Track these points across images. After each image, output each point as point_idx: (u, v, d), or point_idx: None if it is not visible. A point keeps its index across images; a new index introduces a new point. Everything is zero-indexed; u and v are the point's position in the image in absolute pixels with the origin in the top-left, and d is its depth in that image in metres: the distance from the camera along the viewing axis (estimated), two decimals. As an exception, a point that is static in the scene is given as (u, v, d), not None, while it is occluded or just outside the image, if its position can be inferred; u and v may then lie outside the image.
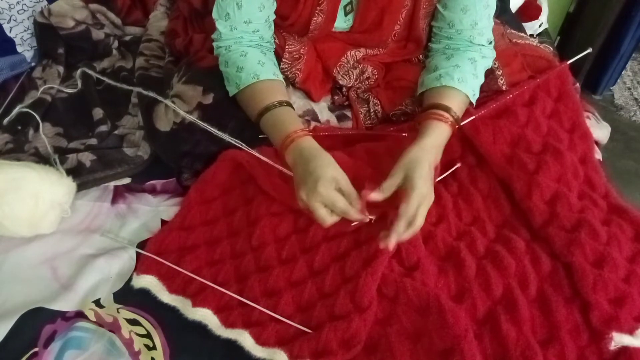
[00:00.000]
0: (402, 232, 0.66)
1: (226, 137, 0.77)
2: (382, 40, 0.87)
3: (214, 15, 0.83)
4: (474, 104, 0.83)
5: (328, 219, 0.67)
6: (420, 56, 0.94)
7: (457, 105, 0.79)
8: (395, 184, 0.69)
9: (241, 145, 0.77)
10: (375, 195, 0.68)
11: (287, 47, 0.88)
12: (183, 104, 0.83)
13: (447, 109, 0.77)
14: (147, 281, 0.68)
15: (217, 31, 0.83)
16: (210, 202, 0.78)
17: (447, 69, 0.81)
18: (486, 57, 0.85)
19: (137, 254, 0.73)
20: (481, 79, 0.84)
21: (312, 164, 0.68)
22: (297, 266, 0.69)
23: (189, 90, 0.85)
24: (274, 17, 0.84)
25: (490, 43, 0.86)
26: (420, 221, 0.67)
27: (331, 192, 0.66)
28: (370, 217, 0.69)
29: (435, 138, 0.74)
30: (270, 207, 0.75)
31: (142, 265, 0.70)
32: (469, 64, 0.82)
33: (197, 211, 0.77)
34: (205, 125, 0.78)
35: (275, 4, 0.83)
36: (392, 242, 0.66)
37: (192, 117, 0.79)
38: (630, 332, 0.60)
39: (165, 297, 0.67)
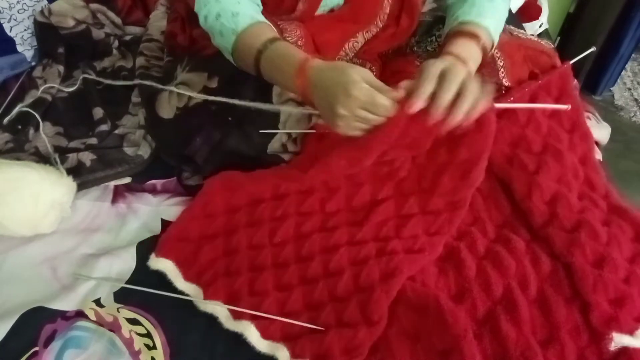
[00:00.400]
0: (425, 90, 0.61)
1: (244, 103, 0.75)
2: (377, 2, 0.85)
3: None
4: (495, 43, 0.81)
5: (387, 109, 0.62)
6: (415, 47, 0.93)
7: (484, 35, 0.76)
8: (435, 73, 0.63)
9: (261, 107, 0.75)
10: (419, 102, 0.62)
11: (284, 38, 0.88)
12: (188, 89, 0.83)
13: (471, 36, 0.75)
14: (165, 265, 0.68)
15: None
16: (235, 189, 0.76)
17: (464, 9, 0.80)
18: None
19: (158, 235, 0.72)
20: (500, 18, 0.81)
21: (333, 73, 0.63)
22: (312, 264, 0.69)
23: (194, 77, 0.85)
24: None
25: None
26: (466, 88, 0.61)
27: (366, 90, 0.61)
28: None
29: (462, 50, 0.72)
30: (300, 206, 0.74)
31: (162, 248, 0.69)
32: (486, 2, 0.80)
33: (221, 198, 0.75)
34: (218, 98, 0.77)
35: None
36: (415, 103, 0.61)
37: (199, 96, 0.78)
38: (630, 332, 0.60)
39: (180, 283, 0.67)
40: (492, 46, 0.81)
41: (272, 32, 0.74)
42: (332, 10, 0.88)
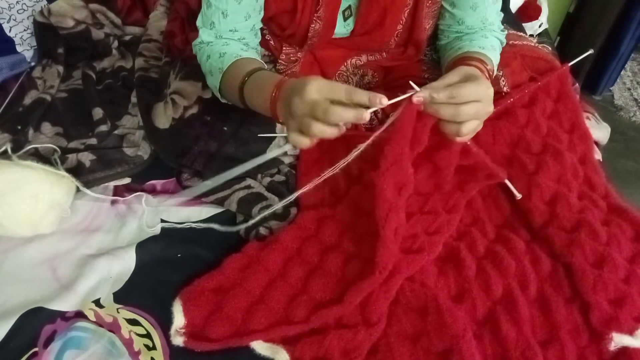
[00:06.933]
0: (439, 96, 0.58)
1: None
2: (384, 41, 0.86)
3: (198, 23, 0.82)
4: (495, 72, 0.83)
5: (340, 112, 0.56)
6: (421, 56, 0.94)
7: (488, 62, 0.77)
8: (450, 82, 0.60)
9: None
10: (424, 94, 0.58)
11: (284, 48, 0.88)
12: (183, 100, 0.83)
13: (479, 61, 0.75)
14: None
15: (200, 39, 0.82)
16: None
17: (464, 42, 0.82)
18: (497, 37, 0.85)
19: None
20: (497, 53, 0.83)
21: (300, 79, 0.61)
22: (313, 268, 0.68)
23: (188, 86, 0.85)
24: (260, 25, 0.84)
25: (503, 31, 0.87)
26: (469, 112, 0.59)
27: (324, 81, 0.58)
28: (382, 99, 0.57)
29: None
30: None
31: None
32: (482, 39, 0.82)
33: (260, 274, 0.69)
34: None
35: (262, 13, 0.82)
36: (420, 95, 0.58)
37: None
38: (630, 332, 0.60)
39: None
40: (493, 75, 0.82)
41: (256, 63, 0.76)
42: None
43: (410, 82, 0.61)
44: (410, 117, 0.61)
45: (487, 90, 0.61)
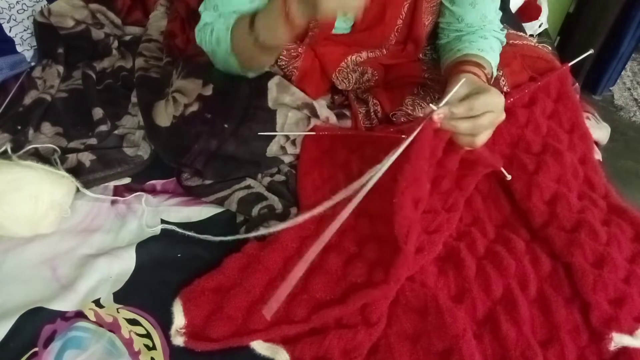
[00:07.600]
0: (458, 110, 0.61)
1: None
2: (384, 36, 0.87)
3: (201, 8, 0.80)
4: (494, 75, 0.83)
5: None
6: (420, 55, 0.94)
7: (487, 65, 0.77)
8: (460, 96, 0.62)
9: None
10: (443, 110, 0.61)
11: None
12: (183, 97, 0.83)
13: (478, 65, 0.76)
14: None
15: (202, 22, 0.80)
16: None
17: (464, 44, 0.82)
18: (497, 37, 0.85)
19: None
20: (497, 54, 0.83)
21: None
22: (313, 268, 0.68)
23: (189, 84, 0.85)
24: None
25: (502, 30, 0.87)
26: (484, 124, 0.61)
27: None
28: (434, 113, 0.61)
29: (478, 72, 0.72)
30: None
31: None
32: (482, 40, 0.82)
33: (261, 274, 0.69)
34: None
35: None
36: (440, 112, 0.60)
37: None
38: (630, 332, 0.60)
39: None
40: (492, 78, 0.82)
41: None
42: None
43: (430, 105, 0.62)
44: (428, 135, 0.63)
45: (499, 100, 0.64)
